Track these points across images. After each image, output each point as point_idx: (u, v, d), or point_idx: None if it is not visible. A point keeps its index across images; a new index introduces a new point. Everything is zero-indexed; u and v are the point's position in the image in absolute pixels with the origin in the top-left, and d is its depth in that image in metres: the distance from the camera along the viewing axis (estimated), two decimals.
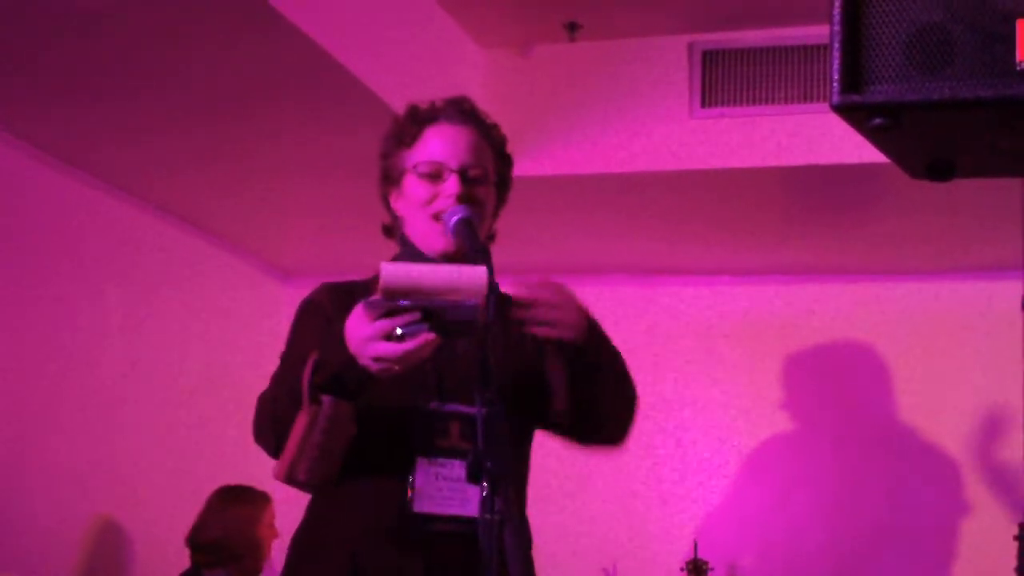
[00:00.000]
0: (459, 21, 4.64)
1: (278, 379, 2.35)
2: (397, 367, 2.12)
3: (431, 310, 2.10)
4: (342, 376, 2.17)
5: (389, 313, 2.10)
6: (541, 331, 2.22)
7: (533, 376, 2.40)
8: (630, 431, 2.46)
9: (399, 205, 2.48)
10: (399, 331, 2.09)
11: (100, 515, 4.93)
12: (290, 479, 2.21)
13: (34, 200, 4.67)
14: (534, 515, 2.46)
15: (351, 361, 2.14)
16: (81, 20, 3.55)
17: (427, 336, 2.09)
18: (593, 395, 2.35)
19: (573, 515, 5.67)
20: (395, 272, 2.10)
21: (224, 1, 3.43)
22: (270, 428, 2.29)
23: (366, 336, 2.11)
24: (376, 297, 2.11)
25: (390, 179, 2.48)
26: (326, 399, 2.18)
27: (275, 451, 2.28)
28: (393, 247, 2.54)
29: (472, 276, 2.12)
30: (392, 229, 2.54)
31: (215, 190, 5.05)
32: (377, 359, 2.11)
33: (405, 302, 2.10)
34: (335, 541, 2.34)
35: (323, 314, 2.41)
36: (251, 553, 4.69)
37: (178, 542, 4.86)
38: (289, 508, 2.41)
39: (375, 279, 2.21)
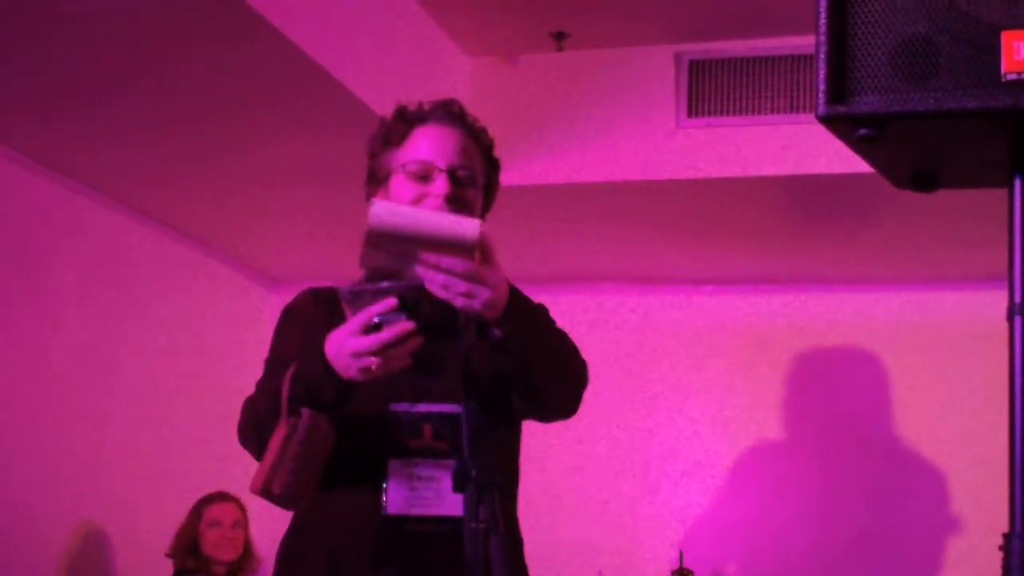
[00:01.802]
0: (446, 29, 4.64)
1: (260, 385, 2.35)
2: (375, 365, 2.09)
3: (408, 299, 2.06)
4: (317, 387, 2.15)
5: (362, 303, 2.06)
6: (463, 303, 2.11)
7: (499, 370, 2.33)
8: (577, 404, 2.38)
9: None
10: (376, 319, 2.07)
11: (85, 521, 4.92)
12: (265, 492, 2.18)
13: (19, 205, 4.66)
14: (520, 524, 2.45)
15: (327, 370, 2.13)
16: (64, 26, 3.54)
17: (405, 325, 2.07)
18: (528, 376, 2.26)
19: (558, 524, 5.67)
20: (385, 209, 2.05)
21: (210, 7, 3.42)
22: (253, 435, 2.28)
23: (345, 333, 2.11)
24: (348, 286, 2.09)
25: (376, 179, 2.45)
26: (305, 411, 2.16)
27: (259, 457, 2.26)
28: None
29: (464, 225, 2.09)
30: None
31: (201, 197, 5.05)
32: (356, 355, 2.09)
33: (384, 284, 2.05)
34: (315, 549, 2.33)
35: (304, 319, 2.40)
36: (196, 554, 4.77)
37: (162, 548, 4.86)
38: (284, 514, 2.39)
39: (357, 284, 2.20)
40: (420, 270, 2.08)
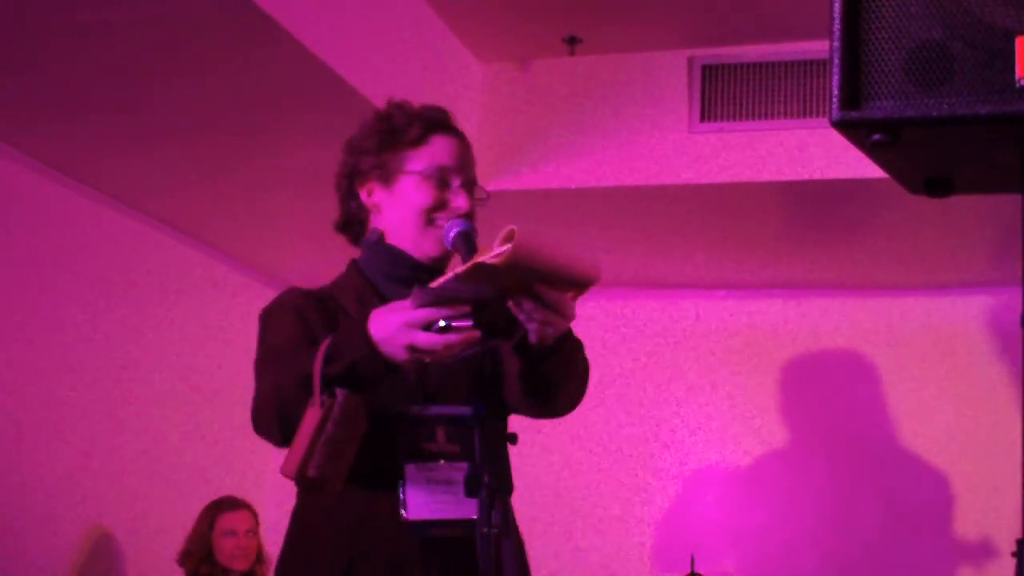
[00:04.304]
0: (459, 35, 4.65)
1: (281, 368, 2.25)
2: (427, 359, 2.09)
3: (481, 304, 2.06)
4: (359, 367, 2.10)
5: (436, 303, 2.04)
6: (537, 330, 2.15)
7: (495, 368, 2.37)
8: (576, 406, 2.41)
9: (382, 202, 2.45)
10: (442, 323, 2.05)
11: (95, 526, 4.92)
12: (299, 476, 2.10)
13: (34, 211, 4.67)
14: (530, 530, 2.45)
15: (372, 350, 2.09)
16: (81, 34, 3.55)
17: (473, 334, 2.06)
18: (548, 379, 2.30)
19: (569, 531, 5.66)
20: (531, 238, 2.01)
21: (227, 15, 3.44)
22: (275, 419, 2.20)
23: (404, 322, 2.07)
24: (437, 284, 2.06)
25: (369, 175, 2.45)
26: (340, 392, 2.10)
27: (281, 442, 2.19)
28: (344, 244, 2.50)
29: (594, 266, 2.14)
30: (355, 224, 2.53)
31: (218, 204, 5.05)
32: (412, 348, 2.07)
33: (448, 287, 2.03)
34: (328, 552, 2.29)
35: (299, 314, 2.35)
36: (210, 562, 4.78)
37: (172, 553, 4.87)
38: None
39: (337, 285, 2.30)
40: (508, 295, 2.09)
